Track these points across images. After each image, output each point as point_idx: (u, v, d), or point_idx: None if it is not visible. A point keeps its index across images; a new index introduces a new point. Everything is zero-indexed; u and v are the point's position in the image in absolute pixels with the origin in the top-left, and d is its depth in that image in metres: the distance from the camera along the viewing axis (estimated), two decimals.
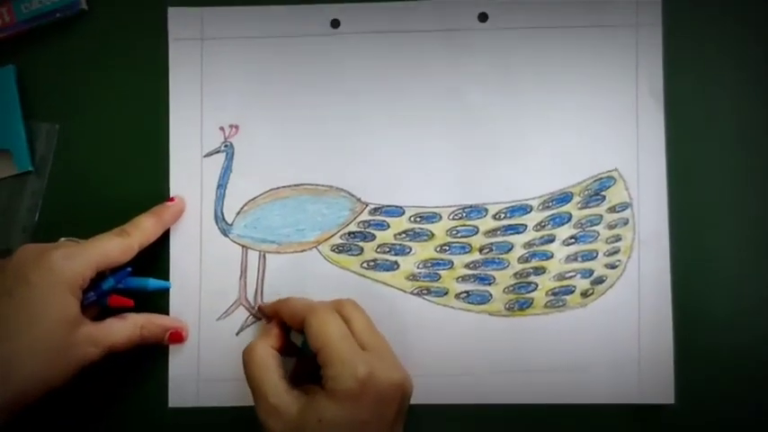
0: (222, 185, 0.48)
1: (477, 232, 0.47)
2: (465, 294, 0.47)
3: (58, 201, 0.49)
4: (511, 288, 0.47)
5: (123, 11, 0.49)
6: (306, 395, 0.39)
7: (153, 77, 0.48)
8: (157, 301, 0.47)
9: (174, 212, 0.47)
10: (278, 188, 0.48)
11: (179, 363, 0.47)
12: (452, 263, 0.47)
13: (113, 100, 0.49)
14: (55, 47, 0.49)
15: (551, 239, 0.47)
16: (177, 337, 0.46)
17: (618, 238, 0.47)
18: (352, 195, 0.48)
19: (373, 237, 0.47)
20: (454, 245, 0.47)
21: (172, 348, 0.47)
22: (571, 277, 0.47)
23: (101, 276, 0.44)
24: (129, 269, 0.44)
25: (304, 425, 0.38)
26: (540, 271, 0.47)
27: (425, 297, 0.47)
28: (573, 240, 0.47)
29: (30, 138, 0.49)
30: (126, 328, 0.44)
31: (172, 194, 0.48)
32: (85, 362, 0.42)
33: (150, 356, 0.47)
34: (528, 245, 0.47)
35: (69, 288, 0.41)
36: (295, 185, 0.48)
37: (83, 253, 0.42)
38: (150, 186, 0.48)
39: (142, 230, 0.45)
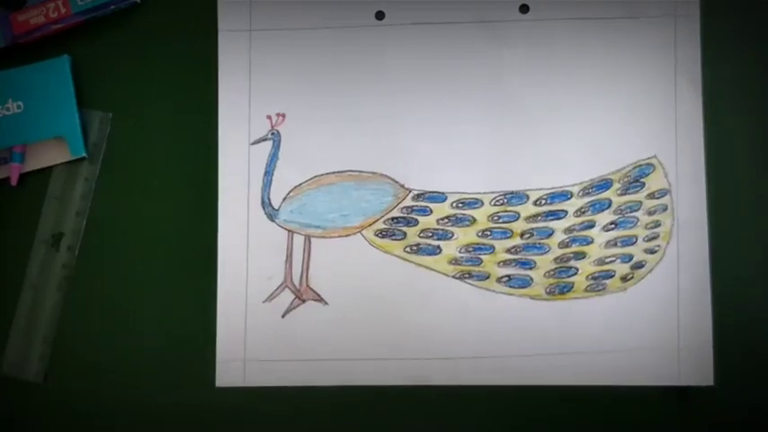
0: (269, 172, 0.49)
1: (518, 218, 0.48)
2: (506, 278, 0.48)
3: (110, 186, 0.50)
4: (552, 272, 0.48)
5: (175, 3, 0.51)
6: None
7: (203, 69, 0.50)
8: (206, 285, 0.48)
9: None
10: (323, 175, 0.49)
11: (226, 343, 0.48)
12: (494, 248, 0.48)
13: (164, 90, 0.50)
14: (108, 38, 0.51)
15: (591, 225, 0.48)
16: None
17: (657, 224, 0.47)
18: (396, 182, 0.49)
19: (416, 222, 0.48)
20: (496, 230, 0.48)
21: (219, 330, 0.48)
22: (611, 262, 0.48)
23: None
24: None
25: None
26: (580, 256, 0.48)
27: (467, 281, 0.48)
28: (613, 226, 0.48)
29: (84, 125, 0.50)
30: None
31: (220, 180, 0.48)
32: None
33: (197, 337, 0.48)
34: (568, 230, 0.48)
35: None
36: (339, 172, 0.49)
37: None
38: (198, 173, 0.49)
39: None
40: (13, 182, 0.50)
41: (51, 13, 0.50)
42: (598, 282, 0.47)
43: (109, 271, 0.50)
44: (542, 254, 0.48)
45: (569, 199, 0.48)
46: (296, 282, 0.48)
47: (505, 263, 0.48)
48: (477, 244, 0.48)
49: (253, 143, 0.49)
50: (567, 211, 0.48)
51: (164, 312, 0.50)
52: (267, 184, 0.49)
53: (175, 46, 0.50)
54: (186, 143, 0.50)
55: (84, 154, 0.50)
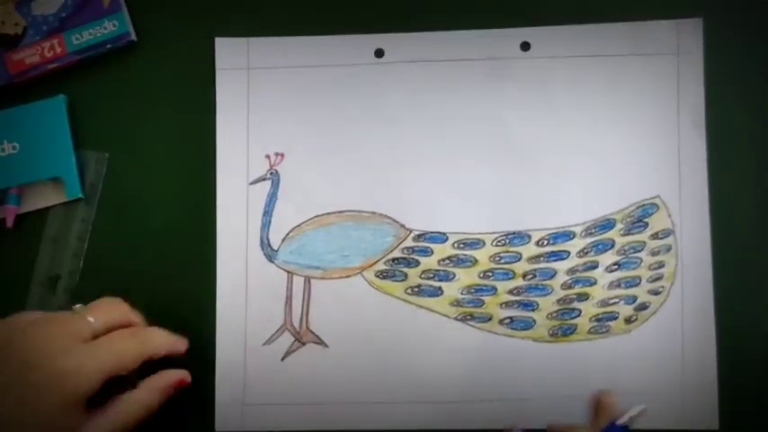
0: (268, 212, 0.48)
1: (520, 258, 0.48)
2: (509, 320, 0.47)
3: (107, 228, 0.50)
4: (554, 314, 0.47)
5: (172, 43, 0.50)
6: None
7: (200, 108, 0.49)
8: (205, 327, 0.48)
9: (181, 352, 0.44)
10: (322, 215, 0.48)
11: (225, 387, 0.47)
12: (496, 289, 0.48)
13: (161, 130, 0.50)
14: (105, 77, 0.50)
15: (594, 266, 0.47)
16: (184, 384, 0.44)
17: (661, 265, 0.47)
18: (396, 222, 0.48)
19: (417, 263, 0.48)
20: (497, 271, 0.48)
21: (218, 373, 0.47)
22: (615, 303, 0.47)
23: None
24: None
25: None
26: (583, 297, 0.47)
27: (469, 323, 0.47)
28: (616, 267, 0.47)
29: (80, 166, 0.49)
30: (132, 413, 0.41)
31: (219, 221, 0.48)
32: None
33: (197, 381, 0.46)
34: (571, 271, 0.47)
35: (75, 404, 0.38)
36: (339, 212, 0.48)
37: (95, 363, 0.39)
38: (196, 215, 0.49)
39: (158, 345, 0.42)
40: (9, 224, 0.49)
41: (47, 53, 0.49)
42: (602, 324, 0.47)
43: None
44: (545, 295, 0.47)
45: (572, 239, 0.48)
46: (296, 324, 0.48)
47: (507, 304, 0.47)
48: (479, 285, 0.48)
49: (252, 183, 0.49)
50: (569, 252, 0.48)
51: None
52: (266, 225, 0.48)
53: (172, 85, 0.50)
54: (184, 183, 0.49)
55: (80, 195, 0.49)
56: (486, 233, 0.48)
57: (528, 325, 0.47)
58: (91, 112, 0.50)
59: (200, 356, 0.47)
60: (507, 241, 0.48)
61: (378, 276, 0.48)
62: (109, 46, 0.50)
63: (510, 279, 0.48)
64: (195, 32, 0.50)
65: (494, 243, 0.48)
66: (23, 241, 0.50)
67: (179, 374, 0.44)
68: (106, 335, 0.40)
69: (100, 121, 0.50)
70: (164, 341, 0.43)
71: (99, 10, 0.49)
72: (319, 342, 0.48)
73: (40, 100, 0.50)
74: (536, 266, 0.48)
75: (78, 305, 0.42)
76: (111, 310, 0.42)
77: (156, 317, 0.47)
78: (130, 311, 0.43)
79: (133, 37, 0.50)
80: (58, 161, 0.49)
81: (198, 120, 0.49)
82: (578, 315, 0.47)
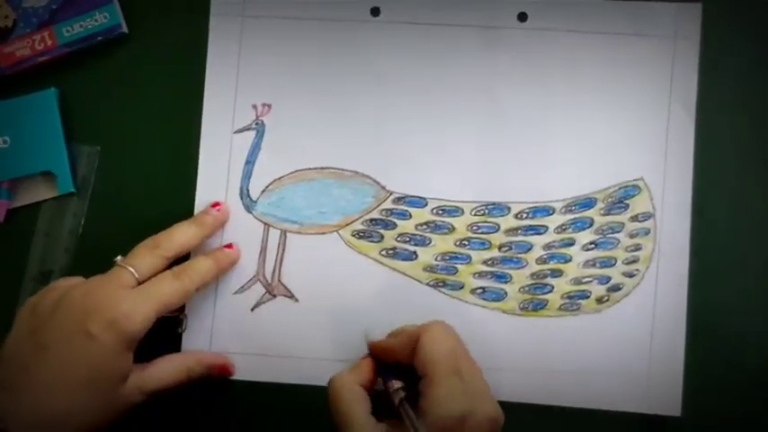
0: (250, 162, 0.48)
1: (497, 230, 0.47)
2: (480, 290, 0.47)
3: (100, 222, 0.49)
4: (527, 288, 0.47)
5: (163, 34, 0.50)
6: (393, 429, 0.38)
7: (191, 99, 0.49)
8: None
9: (231, 261, 0.47)
10: (304, 170, 0.48)
11: (192, 333, 0.47)
12: (471, 258, 0.47)
13: (153, 121, 0.49)
14: (96, 70, 0.50)
15: (571, 243, 0.47)
16: (225, 371, 0.46)
17: (638, 248, 0.47)
18: (377, 183, 0.48)
19: (394, 225, 0.48)
20: (474, 240, 0.47)
21: (187, 319, 0.47)
22: (588, 282, 0.47)
23: None
24: None
25: None
26: (557, 273, 0.47)
27: (440, 289, 0.47)
28: (593, 246, 0.47)
29: (72, 160, 0.49)
30: (173, 372, 0.44)
31: (200, 168, 0.48)
32: (131, 407, 0.42)
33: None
34: (547, 246, 0.47)
35: (129, 345, 0.41)
36: (321, 168, 0.48)
37: (145, 305, 0.41)
38: (190, 206, 0.48)
39: (201, 275, 0.44)
40: (0, 219, 0.49)
41: (37, 45, 0.49)
42: (573, 301, 0.47)
43: None
44: (519, 268, 0.47)
45: (551, 215, 0.47)
46: (268, 276, 0.48)
47: (481, 274, 0.47)
48: (454, 253, 0.47)
49: (236, 131, 0.48)
50: (547, 227, 0.47)
51: None
52: (247, 175, 0.48)
53: (164, 77, 0.49)
54: (177, 176, 0.49)
55: (72, 189, 0.49)
56: (467, 201, 0.48)
57: (499, 296, 0.47)
58: (82, 104, 0.50)
59: None
60: (486, 211, 0.48)
61: (354, 235, 0.48)
62: (100, 38, 0.49)
63: (486, 249, 0.47)
64: (186, 24, 0.49)
65: (473, 212, 0.48)
66: (15, 236, 0.49)
67: (225, 361, 0.46)
68: (150, 280, 0.42)
69: (91, 113, 0.50)
70: (205, 270, 0.45)
71: (90, 2, 0.49)
72: (290, 296, 0.47)
73: (30, 93, 0.49)
74: (513, 239, 0.47)
75: (119, 257, 0.43)
76: (148, 255, 0.43)
77: None
78: (169, 250, 0.44)
79: (124, 29, 0.50)
80: (50, 155, 0.49)
81: (189, 112, 0.49)
82: (550, 291, 0.47)
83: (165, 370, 0.44)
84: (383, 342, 0.42)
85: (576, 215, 0.47)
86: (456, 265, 0.47)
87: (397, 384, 0.39)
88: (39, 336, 0.40)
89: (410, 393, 0.39)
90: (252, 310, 0.48)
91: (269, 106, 0.48)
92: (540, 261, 0.47)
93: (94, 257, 0.45)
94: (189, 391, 0.45)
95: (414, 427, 0.36)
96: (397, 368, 0.39)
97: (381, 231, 0.48)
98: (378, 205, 0.48)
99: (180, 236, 0.45)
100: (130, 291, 0.42)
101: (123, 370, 0.41)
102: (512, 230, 0.47)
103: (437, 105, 0.48)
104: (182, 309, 0.47)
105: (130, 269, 0.42)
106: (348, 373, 0.41)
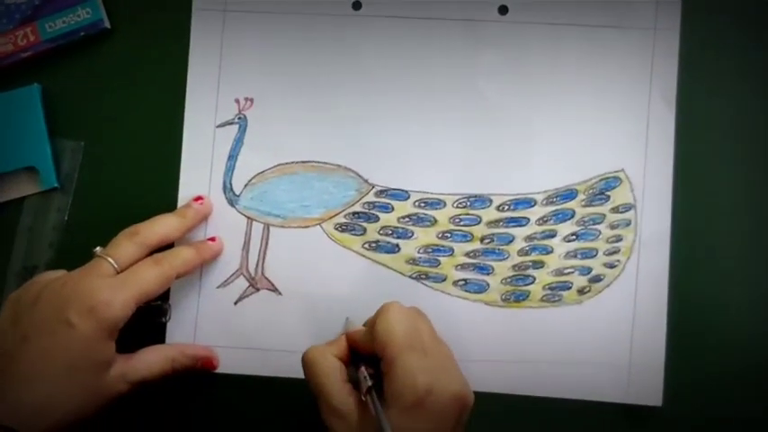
0: (233, 157, 0.48)
1: (479, 222, 0.48)
2: (463, 282, 0.47)
3: (84, 217, 0.49)
4: (509, 279, 0.47)
5: (146, 29, 0.50)
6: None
7: (173, 94, 0.49)
8: None
9: (213, 252, 0.47)
10: (287, 163, 0.48)
11: (176, 327, 0.47)
12: (453, 250, 0.48)
13: (136, 116, 0.49)
14: (79, 65, 0.50)
15: (552, 235, 0.47)
16: (209, 364, 0.46)
17: (619, 239, 0.47)
18: (360, 176, 0.48)
19: (377, 218, 0.48)
20: (456, 233, 0.48)
21: (171, 312, 0.47)
22: (569, 273, 0.47)
23: None
24: None
25: (366, 430, 0.37)
26: (538, 265, 0.47)
27: (423, 282, 0.47)
28: (574, 237, 0.47)
29: (55, 155, 0.49)
30: (157, 362, 0.44)
31: (183, 162, 0.48)
32: (117, 397, 0.42)
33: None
34: (529, 238, 0.47)
35: (110, 333, 0.41)
36: (304, 162, 0.48)
37: (124, 292, 0.41)
38: (174, 201, 0.48)
39: (182, 262, 0.44)
40: None
41: (20, 41, 0.49)
42: (554, 293, 0.47)
43: None
44: (501, 260, 0.47)
45: (533, 206, 0.48)
46: (251, 270, 0.48)
47: (463, 266, 0.47)
48: (437, 245, 0.48)
49: (218, 126, 0.48)
50: (529, 219, 0.47)
51: None
52: (230, 169, 0.48)
53: (147, 72, 0.49)
54: (161, 172, 0.49)
55: (56, 185, 0.49)
56: (449, 194, 0.48)
57: (481, 288, 0.47)
58: (65, 100, 0.50)
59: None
60: (468, 204, 0.48)
61: (336, 229, 0.48)
62: (82, 34, 0.49)
63: (468, 241, 0.48)
64: (169, 19, 0.49)
65: (455, 204, 0.48)
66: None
67: (209, 354, 0.46)
68: (130, 268, 0.43)
69: (75, 109, 0.50)
70: (187, 257, 0.45)
71: None
72: (273, 289, 0.48)
73: (13, 89, 0.49)
74: (494, 231, 0.48)
75: (98, 248, 0.43)
76: (128, 243, 0.43)
77: None
78: (149, 238, 0.44)
79: (107, 24, 0.50)
80: (33, 150, 0.49)
81: (172, 107, 0.49)
82: (532, 282, 0.47)
83: (150, 360, 0.44)
84: (353, 332, 0.42)
85: (558, 207, 0.47)
86: (438, 258, 0.48)
87: (366, 371, 0.39)
88: (20, 326, 0.40)
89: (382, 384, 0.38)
90: (235, 303, 0.48)
91: (251, 100, 0.48)
92: (522, 253, 0.47)
93: (78, 252, 0.45)
94: (173, 385, 0.46)
95: (377, 414, 0.36)
96: (372, 360, 0.39)
97: (364, 224, 0.48)
98: (360, 198, 0.48)
99: (160, 226, 0.45)
100: (110, 279, 0.42)
101: (105, 358, 0.41)
102: (493, 222, 0.48)
103: (419, 99, 0.48)
104: (165, 298, 0.47)
105: (109, 259, 0.43)
106: (324, 344, 0.41)
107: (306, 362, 0.40)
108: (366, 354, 0.40)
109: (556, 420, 0.47)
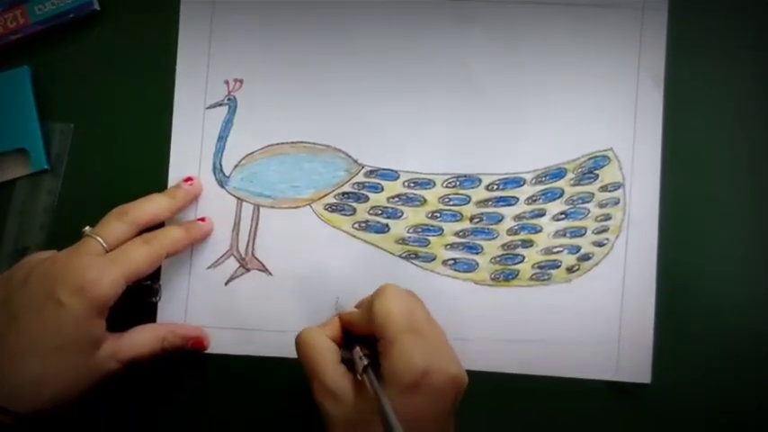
0: (223, 138, 0.48)
1: (468, 201, 0.48)
2: (452, 261, 0.47)
3: (74, 199, 0.49)
4: (498, 258, 0.47)
5: (135, 11, 0.50)
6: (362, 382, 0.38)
7: (163, 75, 0.49)
8: None
9: (203, 232, 0.47)
10: (277, 144, 0.48)
11: (167, 308, 0.47)
12: (442, 230, 0.48)
13: (126, 98, 0.49)
14: (69, 47, 0.50)
15: (542, 214, 0.47)
16: (199, 345, 0.46)
17: (607, 217, 0.47)
18: (349, 156, 0.48)
19: (366, 198, 0.48)
20: (446, 212, 0.48)
21: (162, 293, 0.47)
22: (558, 252, 0.47)
23: None
24: None
25: (361, 411, 0.37)
26: (527, 244, 0.47)
27: (413, 261, 0.47)
28: (563, 216, 0.47)
29: (45, 137, 0.49)
30: (148, 341, 0.44)
31: (173, 144, 0.48)
32: (108, 376, 0.42)
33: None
34: (518, 217, 0.47)
35: (99, 311, 0.41)
36: (293, 143, 0.48)
37: (113, 271, 0.41)
38: (164, 183, 0.48)
39: (171, 241, 0.44)
40: None
41: (10, 24, 0.49)
42: (543, 271, 0.47)
43: None
44: (490, 239, 0.47)
45: (522, 186, 0.48)
46: (242, 250, 0.48)
47: (452, 246, 0.47)
48: (426, 225, 0.48)
49: (208, 107, 0.48)
50: (518, 198, 0.47)
51: None
52: (220, 150, 0.48)
53: (137, 54, 0.49)
54: (150, 152, 0.49)
55: (46, 166, 0.49)
56: (438, 174, 0.48)
57: (471, 267, 0.47)
58: (55, 82, 0.50)
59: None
60: (458, 183, 0.48)
61: (326, 209, 0.48)
62: (72, 15, 0.49)
63: (457, 221, 0.48)
64: (158, 0, 0.49)
65: (444, 184, 0.48)
66: None
67: (200, 333, 0.46)
68: (119, 247, 0.43)
69: (64, 91, 0.50)
70: (176, 236, 0.45)
71: None
72: (263, 270, 0.48)
73: (3, 71, 0.49)
74: (484, 210, 0.48)
75: (87, 227, 0.44)
76: (117, 222, 0.43)
77: None
78: (138, 217, 0.44)
79: (96, 6, 0.49)
80: (23, 132, 0.49)
81: (162, 89, 0.48)
82: (521, 261, 0.47)
83: (140, 339, 0.44)
84: (347, 313, 0.41)
85: (547, 186, 0.47)
86: (428, 237, 0.48)
87: (361, 352, 0.39)
88: (11, 306, 0.40)
89: (378, 365, 0.38)
90: (226, 284, 0.48)
91: (241, 82, 0.48)
92: (511, 232, 0.47)
93: (69, 234, 0.45)
94: (163, 365, 0.46)
95: (374, 391, 0.36)
96: (365, 340, 0.39)
97: (354, 205, 0.48)
98: (350, 179, 0.48)
99: (150, 205, 0.45)
100: (98, 257, 0.42)
101: (95, 336, 0.41)
102: (483, 202, 0.48)
103: (409, 79, 0.48)
104: (156, 277, 0.47)
105: (98, 238, 0.43)
106: (318, 326, 0.41)
107: (300, 343, 0.40)
108: (360, 335, 0.40)
109: (546, 398, 0.47)
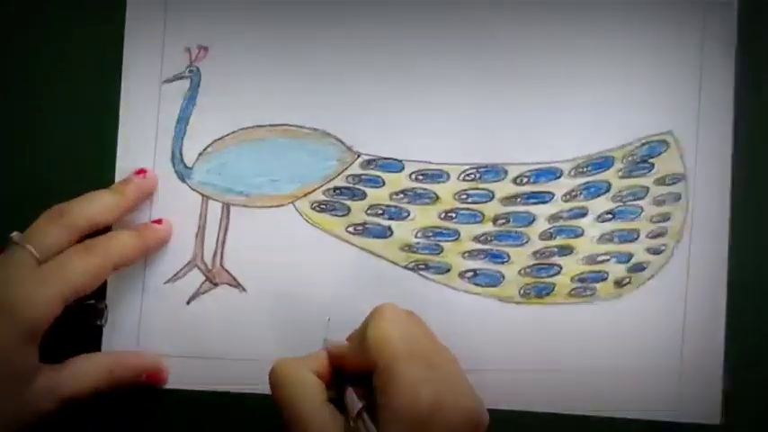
0: (183, 119, 0.43)
1: (492, 198, 0.43)
2: (471, 273, 0.43)
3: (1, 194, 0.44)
4: (528, 270, 0.43)
5: None
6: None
7: (108, 43, 0.43)
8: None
9: (159, 238, 0.42)
10: (251, 127, 0.43)
11: (114, 333, 0.42)
12: (459, 234, 0.43)
13: (63, 70, 0.43)
14: None
15: (583, 213, 0.43)
16: (155, 378, 0.42)
17: (666, 218, 0.43)
18: (342, 142, 0.43)
19: (364, 195, 0.43)
20: (463, 212, 0.43)
21: (108, 315, 0.42)
22: (604, 261, 0.43)
23: None
24: None
25: None
26: (566, 251, 0.43)
27: (422, 273, 0.43)
28: (610, 216, 0.43)
29: None
30: (92, 374, 0.40)
31: (121, 129, 0.43)
32: (41, 417, 0.38)
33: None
34: (554, 218, 0.43)
35: (31, 337, 0.37)
36: (272, 126, 0.43)
37: (48, 288, 0.37)
38: (111, 175, 0.43)
39: (120, 250, 0.40)
40: None
41: None
42: (586, 285, 0.43)
43: None
44: (519, 245, 0.43)
45: (558, 178, 0.43)
46: (207, 260, 0.43)
47: (472, 254, 0.43)
48: (439, 228, 0.43)
49: (165, 81, 0.43)
50: (554, 194, 0.43)
51: None
52: (180, 135, 0.43)
53: (75, 16, 0.43)
54: (93, 139, 0.43)
55: None
56: (453, 164, 0.43)
57: (495, 281, 0.43)
58: None
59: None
60: (478, 176, 0.43)
61: (314, 208, 0.43)
62: None
63: (477, 223, 0.43)
64: None
65: (461, 177, 0.43)
66: None
67: (157, 364, 0.42)
68: (56, 257, 0.39)
69: None
70: (126, 244, 0.40)
71: None
72: (235, 284, 0.43)
73: None
74: (511, 209, 0.43)
75: (15, 233, 0.39)
76: (52, 227, 0.39)
77: None
78: (78, 219, 0.40)
79: None
80: None
81: (107, 57, 0.43)
82: (558, 273, 0.43)
83: (82, 371, 0.39)
84: (336, 347, 0.37)
85: (589, 178, 0.43)
86: (441, 243, 0.43)
87: (354, 393, 0.35)
88: None
89: (374, 408, 0.34)
90: (188, 302, 0.43)
91: (205, 49, 0.43)
92: (545, 236, 0.43)
93: None
94: (111, 402, 0.41)
95: None
96: (359, 380, 0.35)
97: (347, 203, 0.43)
98: (343, 170, 0.43)
99: (92, 204, 0.40)
100: (30, 271, 0.38)
101: (25, 368, 0.37)
102: (509, 199, 0.43)
103: (416, 47, 0.43)
104: (101, 295, 0.42)
105: (29, 247, 0.38)
106: (299, 358, 0.37)
107: (275, 378, 0.35)
108: (352, 372, 0.36)
109: None
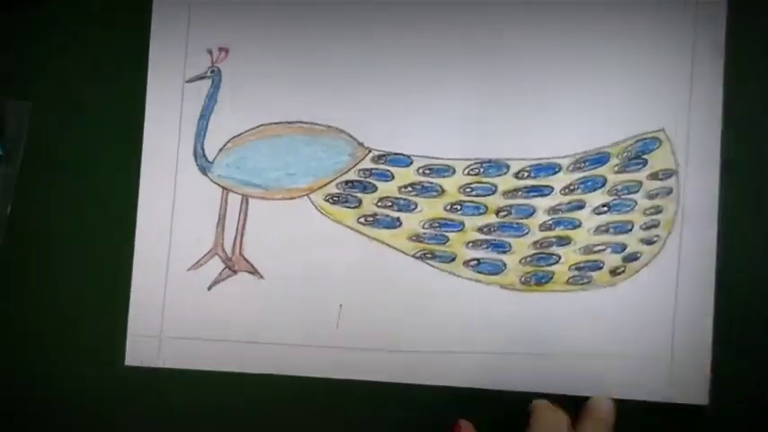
0: (205, 117, 0.43)
1: (494, 191, 0.43)
2: (475, 262, 0.43)
3: (33, 191, 0.44)
4: (529, 259, 0.43)
5: None
6: None
7: (135, 45, 0.43)
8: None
9: None
10: (268, 124, 0.44)
11: (140, 317, 0.43)
12: (463, 225, 0.43)
13: (92, 72, 0.44)
14: (26, 13, 0.44)
15: (580, 206, 0.43)
16: None
17: (658, 210, 0.43)
18: (354, 139, 0.43)
19: (374, 188, 0.43)
20: (467, 204, 0.43)
21: (133, 299, 0.43)
22: (600, 251, 0.43)
23: None
24: None
25: None
26: (564, 241, 0.43)
27: (429, 262, 0.43)
28: (605, 209, 0.43)
29: None
30: None
31: (146, 124, 0.43)
32: None
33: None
34: (553, 210, 0.43)
35: None
36: (288, 123, 0.43)
37: None
38: (137, 171, 0.43)
39: None
40: None
41: None
42: (583, 273, 0.43)
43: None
44: (520, 236, 0.43)
45: (557, 173, 0.43)
46: (227, 249, 0.43)
47: (475, 244, 0.43)
48: (444, 219, 0.43)
49: (188, 81, 0.43)
50: (553, 188, 0.43)
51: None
52: (202, 131, 0.43)
53: (104, 20, 0.44)
54: (120, 137, 0.44)
55: None
56: (458, 159, 0.43)
57: (497, 269, 0.43)
58: (10, 54, 0.44)
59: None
60: (482, 170, 0.43)
61: (327, 200, 0.43)
62: None
63: (481, 214, 0.43)
64: None
65: (465, 171, 0.43)
66: None
67: None
68: None
69: (20, 64, 0.44)
70: None
71: None
72: (253, 272, 0.43)
73: None
74: (512, 202, 0.43)
75: None
76: None
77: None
78: None
79: None
80: None
81: (134, 59, 0.43)
82: (556, 262, 0.43)
83: None
84: None
85: (586, 173, 0.43)
86: (446, 234, 0.43)
87: None
88: None
89: None
90: (209, 288, 0.43)
91: (226, 51, 0.43)
92: (545, 227, 0.43)
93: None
94: (140, 381, 0.42)
95: None
96: None
97: (359, 195, 0.43)
98: (355, 165, 0.43)
99: None
100: None
101: None
102: (511, 192, 0.43)
103: (424, 48, 0.43)
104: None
105: None
106: None
107: None
108: None
109: None
